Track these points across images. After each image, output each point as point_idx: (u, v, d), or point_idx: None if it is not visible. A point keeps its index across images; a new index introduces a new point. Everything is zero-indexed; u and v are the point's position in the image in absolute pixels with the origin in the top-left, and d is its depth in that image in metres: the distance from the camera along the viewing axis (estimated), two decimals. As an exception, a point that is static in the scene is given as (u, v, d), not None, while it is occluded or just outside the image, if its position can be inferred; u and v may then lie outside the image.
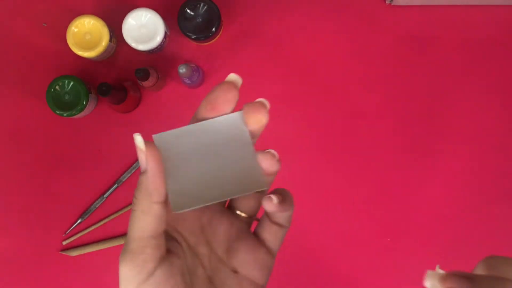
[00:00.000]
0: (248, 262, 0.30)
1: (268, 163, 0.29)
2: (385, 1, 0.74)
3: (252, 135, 0.30)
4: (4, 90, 0.73)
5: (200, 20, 0.69)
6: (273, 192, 0.29)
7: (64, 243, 0.73)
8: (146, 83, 0.67)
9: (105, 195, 0.73)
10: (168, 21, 0.71)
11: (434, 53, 0.74)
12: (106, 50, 0.68)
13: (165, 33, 0.68)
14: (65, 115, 0.68)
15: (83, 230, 0.73)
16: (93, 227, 0.73)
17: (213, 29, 0.68)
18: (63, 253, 0.73)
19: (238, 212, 0.32)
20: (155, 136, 0.30)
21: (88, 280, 0.74)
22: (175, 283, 0.28)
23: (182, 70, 0.63)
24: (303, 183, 0.74)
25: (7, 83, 0.73)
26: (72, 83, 0.68)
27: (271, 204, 0.28)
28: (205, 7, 0.68)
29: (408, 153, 0.74)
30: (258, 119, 0.29)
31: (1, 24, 0.73)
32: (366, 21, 0.74)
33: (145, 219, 0.27)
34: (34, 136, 0.73)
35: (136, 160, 0.73)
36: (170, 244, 0.30)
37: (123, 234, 0.74)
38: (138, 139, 0.29)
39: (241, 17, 0.74)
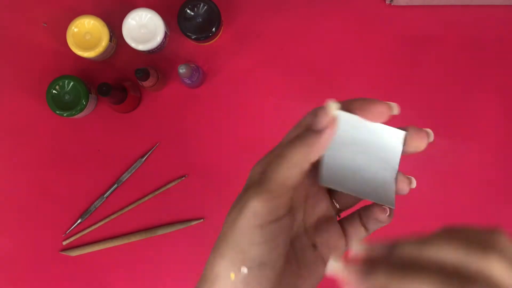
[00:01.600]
0: (328, 244, 0.32)
1: (401, 186, 0.32)
2: (385, 1, 0.74)
3: (405, 152, 0.33)
4: (4, 90, 0.73)
5: (200, 20, 0.69)
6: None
7: (64, 243, 0.73)
8: (146, 83, 0.67)
9: (105, 195, 0.73)
10: (168, 21, 0.71)
11: (434, 53, 0.74)
12: (106, 50, 0.68)
13: (165, 33, 0.68)
14: (65, 115, 0.68)
15: (83, 230, 0.73)
16: (93, 227, 0.73)
17: (213, 29, 0.68)
18: (63, 253, 0.73)
19: (333, 201, 0.35)
20: (339, 112, 0.31)
21: (88, 280, 0.74)
22: (285, 237, 0.29)
23: (182, 70, 0.63)
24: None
25: (7, 83, 0.73)
26: (72, 83, 0.68)
27: (383, 215, 0.32)
28: (205, 7, 0.68)
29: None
30: (417, 146, 0.32)
31: (1, 24, 0.73)
32: (366, 21, 0.74)
33: (294, 171, 0.29)
34: (34, 136, 0.73)
35: (136, 160, 0.73)
36: (297, 204, 0.32)
37: (123, 234, 0.74)
38: (332, 104, 0.29)
39: (241, 17, 0.74)
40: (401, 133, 0.33)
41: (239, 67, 0.74)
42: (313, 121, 0.30)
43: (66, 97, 0.69)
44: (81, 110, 0.68)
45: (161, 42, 0.68)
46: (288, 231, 0.29)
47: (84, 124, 0.73)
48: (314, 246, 0.32)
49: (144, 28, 0.68)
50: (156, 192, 0.73)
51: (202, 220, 0.73)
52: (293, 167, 0.29)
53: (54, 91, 0.68)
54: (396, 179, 0.32)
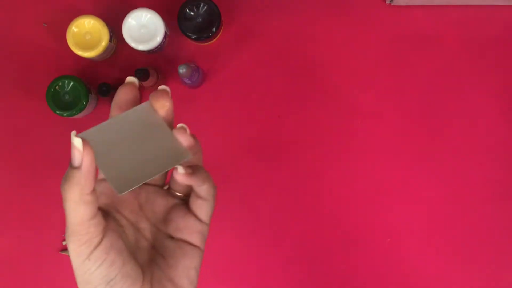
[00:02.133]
0: (180, 228, 0.35)
1: (182, 137, 0.34)
2: (385, 1, 0.74)
3: (166, 119, 0.34)
4: (4, 90, 0.73)
5: (200, 20, 0.69)
6: (183, 165, 0.34)
7: (64, 243, 0.73)
8: (146, 83, 0.67)
9: (105, 195, 0.73)
10: (168, 21, 0.71)
11: (434, 53, 0.74)
12: (106, 50, 0.68)
13: (165, 33, 0.68)
14: (65, 115, 0.68)
15: (83, 230, 0.73)
16: (93, 227, 0.73)
17: (213, 29, 0.68)
18: (63, 253, 0.73)
19: (176, 192, 0.38)
20: (82, 135, 0.33)
21: (88, 280, 0.74)
22: (118, 250, 0.32)
23: (182, 70, 0.63)
24: (303, 183, 0.74)
25: (7, 83, 0.73)
26: (72, 83, 0.68)
27: (176, 173, 0.33)
28: (205, 7, 0.68)
29: (408, 152, 0.74)
30: (161, 104, 0.34)
31: (1, 24, 0.73)
32: (366, 21, 0.74)
33: (80, 208, 0.32)
34: (34, 136, 0.73)
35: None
36: (111, 221, 0.34)
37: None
38: (76, 140, 0.31)
39: (241, 17, 0.74)
40: (145, 104, 0.35)
41: (239, 67, 0.74)
42: (71, 158, 0.32)
43: (66, 97, 0.69)
44: (81, 110, 0.68)
45: (161, 42, 0.68)
46: (116, 246, 0.32)
47: (84, 124, 0.73)
48: (170, 236, 0.36)
49: (144, 28, 0.68)
50: (156, 192, 0.73)
51: (202, 220, 0.73)
52: (77, 205, 0.32)
53: (54, 91, 0.68)
54: (174, 137, 0.34)
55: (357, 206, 0.74)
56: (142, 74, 0.64)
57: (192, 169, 0.34)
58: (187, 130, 0.34)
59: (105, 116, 0.73)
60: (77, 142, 0.31)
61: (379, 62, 0.74)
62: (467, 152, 0.75)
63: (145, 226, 0.36)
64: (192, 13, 0.68)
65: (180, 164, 0.33)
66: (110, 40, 0.68)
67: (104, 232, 0.32)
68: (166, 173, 0.37)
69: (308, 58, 0.74)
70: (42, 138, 0.73)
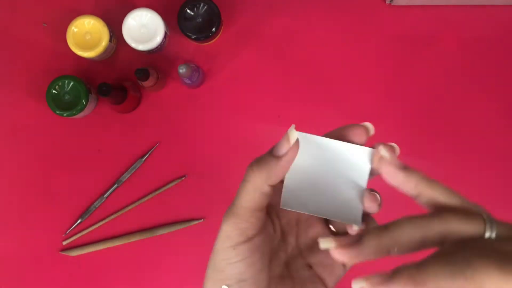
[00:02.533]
0: (324, 264, 0.34)
1: (369, 204, 0.32)
2: (385, 1, 0.74)
3: (372, 172, 0.33)
4: (4, 90, 0.73)
5: (200, 20, 0.68)
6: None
7: (64, 243, 0.73)
8: (146, 83, 0.67)
9: (105, 195, 0.73)
10: (168, 21, 0.71)
11: (434, 53, 0.74)
12: (106, 50, 0.68)
13: (165, 33, 0.68)
14: (65, 115, 0.68)
15: (83, 230, 0.73)
16: (93, 227, 0.73)
17: (213, 29, 0.68)
18: (63, 253, 0.73)
19: (330, 226, 0.36)
20: (299, 134, 0.33)
21: (88, 280, 0.74)
22: (262, 254, 0.31)
23: (182, 70, 0.63)
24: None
25: (7, 83, 0.73)
26: (72, 83, 0.68)
27: (351, 230, 0.32)
28: (205, 7, 0.68)
29: (408, 152, 0.74)
30: (383, 164, 0.33)
31: (1, 24, 0.73)
32: (366, 21, 0.74)
33: (255, 195, 0.30)
34: (34, 136, 0.73)
35: (136, 160, 0.73)
36: (268, 223, 0.33)
37: (123, 234, 0.74)
38: (294, 133, 0.31)
39: (241, 17, 0.74)
40: (367, 150, 0.33)
41: (239, 67, 0.74)
42: (275, 146, 0.32)
43: (66, 97, 0.69)
44: (81, 110, 0.68)
45: (161, 42, 0.68)
46: (262, 249, 0.32)
47: (84, 124, 0.73)
48: (309, 266, 0.34)
49: (144, 28, 0.68)
50: (156, 192, 0.73)
51: (202, 220, 0.73)
52: (254, 191, 0.30)
53: (54, 91, 0.68)
54: (363, 197, 0.32)
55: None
56: (142, 74, 0.64)
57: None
58: (378, 200, 0.33)
59: (105, 116, 0.73)
60: (293, 135, 0.31)
61: (379, 62, 0.74)
62: (467, 152, 0.75)
63: (292, 241, 0.35)
64: (192, 13, 0.68)
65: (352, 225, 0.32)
66: (110, 40, 0.68)
67: (260, 231, 0.31)
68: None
69: (308, 58, 0.74)
70: (42, 138, 0.73)
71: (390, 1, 0.73)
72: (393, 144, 0.34)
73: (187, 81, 0.68)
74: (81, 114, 0.70)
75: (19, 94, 0.73)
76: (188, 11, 0.68)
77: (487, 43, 0.75)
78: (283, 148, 0.31)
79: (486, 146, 0.75)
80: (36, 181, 0.73)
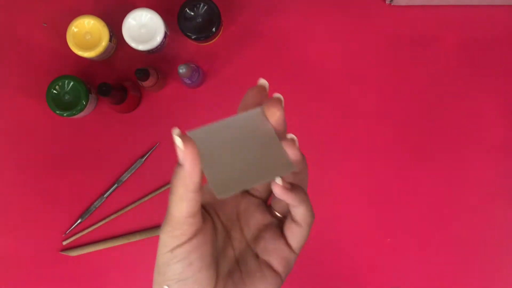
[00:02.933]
0: (268, 250, 0.35)
1: (290, 149, 0.33)
2: (385, 1, 0.74)
3: (276, 129, 0.33)
4: (4, 90, 0.73)
5: (200, 20, 0.69)
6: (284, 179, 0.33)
7: (64, 243, 0.73)
8: (146, 83, 0.67)
9: (105, 195, 0.73)
10: (168, 21, 0.71)
11: (434, 53, 0.74)
12: (106, 50, 0.68)
13: (165, 33, 0.68)
14: (65, 115, 0.68)
15: (83, 230, 0.74)
16: (93, 227, 0.73)
17: (213, 29, 0.68)
18: (63, 253, 0.73)
19: (275, 211, 0.36)
20: (189, 133, 0.33)
21: (88, 280, 0.74)
22: (200, 254, 0.33)
23: (182, 70, 0.63)
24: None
25: (7, 83, 0.73)
26: (72, 83, 0.68)
27: (274, 184, 0.32)
28: (205, 7, 0.68)
29: (408, 152, 0.74)
30: (272, 112, 0.33)
31: (1, 24, 0.73)
32: (366, 21, 0.74)
33: (182, 204, 0.32)
34: (34, 136, 0.73)
35: (136, 160, 0.73)
36: (207, 222, 0.34)
37: (123, 234, 0.74)
38: (177, 139, 0.32)
39: (241, 17, 0.74)
40: (258, 110, 0.34)
41: (239, 67, 0.74)
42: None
43: (66, 97, 0.69)
44: (81, 110, 0.68)
45: (161, 42, 0.68)
46: (201, 249, 0.33)
47: (84, 124, 0.74)
48: (256, 255, 0.35)
49: (144, 28, 0.68)
50: (156, 192, 0.73)
51: (202, 220, 0.73)
52: (180, 200, 0.32)
53: (54, 91, 0.68)
54: (282, 147, 0.33)
55: (356, 206, 0.74)
56: (142, 74, 0.64)
57: (292, 185, 0.32)
58: (296, 143, 0.33)
59: (105, 116, 0.74)
60: (177, 141, 0.32)
61: (379, 62, 0.74)
62: (467, 152, 0.75)
63: (236, 236, 0.36)
64: (192, 13, 0.68)
65: (282, 178, 0.32)
66: (110, 40, 0.68)
67: (196, 233, 0.32)
68: (271, 189, 0.36)
69: (308, 58, 0.74)
70: (42, 138, 0.73)
71: (390, 1, 0.73)
72: (277, 94, 0.35)
73: (187, 81, 0.68)
74: (81, 114, 0.70)
75: (19, 94, 0.73)
76: (188, 11, 0.68)
77: (487, 43, 0.75)
78: (180, 156, 0.32)
79: (486, 145, 0.75)
80: (36, 181, 0.73)
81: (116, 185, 0.73)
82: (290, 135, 0.34)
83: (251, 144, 0.33)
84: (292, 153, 0.33)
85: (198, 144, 0.32)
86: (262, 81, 0.36)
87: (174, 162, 0.74)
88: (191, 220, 0.32)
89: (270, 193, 0.38)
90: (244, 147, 0.33)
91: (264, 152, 0.33)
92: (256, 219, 0.36)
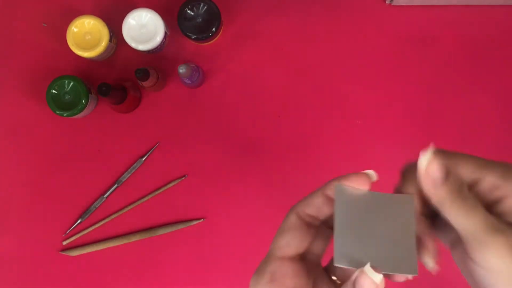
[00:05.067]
0: None
1: (425, 257, 0.31)
2: (385, 1, 0.74)
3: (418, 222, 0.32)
4: (4, 90, 0.73)
5: (200, 20, 0.69)
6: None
7: (64, 243, 0.73)
8: (146, 83, 0.67)
9: (105, 195, 0.73)
10: (168, 21, 0.71)
11: (434, 53, 0.74)
12: (106, 50, 0.68)
13: (165, 33, 0.68)
14: (65, 115, 0.68)
15: (83, 230, 0.74)
16: (93, 227, 0.73)
17: (213, 29, 0.68)
18: (63, 253, 0.73)
19: (333, 277, 0.34)
20: (337, 186, 0.33)
21: (88, 280, 0.74)
22: None
23: (182, 70, 0.63)
24: (303, 183, 0.74)
25: (7, 83, 0.73)
26: (72, 83, 0.68)
27: (398, 277, 0.31)
28: (205, 7, 0.68)
29: (408, 152, 0.74)
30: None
31: (1, 24, 0.73)
32: (366, 21, 0.74)
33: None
34: (34, 136, 0.73)
35: (136, 160, 0.73)
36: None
37: (123, 234, 0.74)
38: (378, 277, 0.29)
39: (241, 17, 0.74)
40: (409, 197, 0.32)
41: (239, 67, 0.74)
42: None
43: (66, 97, 0.69)
44: (81, 110, 0.68)
45: (161, 42, 0.68)
46: None
47: (84, 124, 0.74)
48: None
49: (144, 28, 0.68)
50: (156, 192, 0.73)
51: (202, 220, 0.73)
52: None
53: (54, 91, 0.68)
54: (416, 244, 0.32)
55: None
56: (142, 74, 0.64)
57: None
58: (435, 255, 0.31)
59: (105, 116, 0.74)
60: (377, 278, 0.29)
61: (379, 62, 0.74)
62: (467, 152, 0.75)
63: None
64: (192, 13, 0.68)
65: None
66: (110, 40, 0.68)
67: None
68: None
69: (308, 58, 0.74)
70: (42, 138, 0.73)
71: (390, 1, 0.73)
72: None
73: (187, 81, 0.68)
74: (81, 114, 0.70)
75: (19, 94, 0.73)
76: (188, 11, 0.68)
77: (486, 43, 0.75)
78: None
79: (486, 145, 0.75)
80: (36, 181, 0.73)
81: (116, 185, 0.73)
82: (432, 246, 0.31)
83: (389, 227, 0.32)
84: (426, 261, 0.31)
85: (341, 201, 0.32)
86: (371, 172, 0.34)
87: (174, 162, 0.74)
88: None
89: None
90: (381, 226, 0.32)
91: (397, 241, 0.32)
92: (323, 282, 0.34)
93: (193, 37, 0.68)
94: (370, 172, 0.34)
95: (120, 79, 0.72)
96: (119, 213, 0.73)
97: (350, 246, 0.31)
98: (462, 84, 0.75)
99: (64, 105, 0.69)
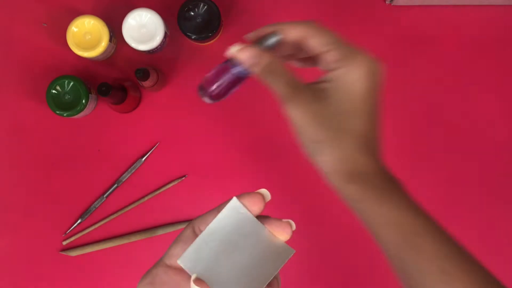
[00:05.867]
0: None
1: (284, 233, 0.32)
2: (385, 1, 0.74)
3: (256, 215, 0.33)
4: (4, 90, 0.73)
5: (200, 20, 0.69)
6: None
7: (64, 243, 0.73)
8: (146, 83, 0.67)
9: (105, 195, 0.73)
10: (168, 21, 0.71)
11: (434, 53, 0.74)
12: (106, 50, 0.68)
13: (165, 33, 0.68)
14: (65, 115, 0.68)
15: (83, 230, 0.74)
16: (93, 227, 0.73)
17: (213, 29, 0.68)
18: (63, 253, 0.73)
19: None
20: (180, 261, 0.32)
21: (88, 280, 0.74)
22: None
23: (272, 40, 0.44)
24: (302, 183, 0.74)
25: (7, 83, 0.73)
26: (72, 83, 0.68)
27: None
28: (205, 7, 0.68)
29: (408, 152, 0.74)
30: (255, 209, 0.32)
31: (1, 24, 0.73)
32: (366, 21, 0.74)
33: None
34: (34, 136, 0.73)
35: (136, 160, 0.73)
36: None
37: (123, 234, 0.74)
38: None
39: (241, 17, 0.74)
40: (233, 202, 0.32)
41: (239, 67, 0.74)
42: None
43: (66, 97, 0.69)
44: (81, 110, 0.68)
45: (161, 42, 0.68)
46: None
47: (84, 124, 0.74)
48: None
49: (144, 28, 0.68)
50: (156, 192, 0.73)
51: (202, 220, 0.73)
52: None
53: (54, 91, 0.68)
54: (272, 233, 0.32)
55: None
56: (142, 74, 0.64)
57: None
58: (292, 226, 0.32)
59: (105, 116, 0.73)
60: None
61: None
62: (467, 152, 0.75)
63: None
64: (192, 13, 0.68)
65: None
66: (110, 40, 0.68)
67: None
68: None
69: (308, 58, 0.74)
70: (42, 138, 0.73)
71: (390, 1, 0.73)
72: (262, 192, 0.34)
73: (208, 100, 0.51)
74: (81, 114, 0.70)
75: (19, 94, 0.73)
76: (188, 11, 0.68)
77: (487, 43, 0.75)
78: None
79: (486, 146, 0.75)
80: (36, 181, 0.73)
81: (116, 185, 0.73)
82: (286, 220, 0.33)
83: (242, 242, 0.32)
84: (285, 235, 0.32)
85: (225, 214, 0.31)
86: (264, 191, 0.34)
87: (174, 162, 0.74)
88: None
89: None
90: (236, 248, 0.32)
91: (258, 246, 0.32)
92: None
93: (193, 37, 0.68)
94: (264, 191, 0.34)
95: (120, 79, 0.72)
96: (119, 213, 0.73)
97: (203, 255, 0.32)
98: (462, 84, 0.75)
99: (64, 105, 0.69)
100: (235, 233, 0.32)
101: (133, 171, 0.73)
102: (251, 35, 0.43)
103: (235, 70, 0.45)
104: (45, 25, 0.73)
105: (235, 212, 0.32)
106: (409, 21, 0.74)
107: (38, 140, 0.73)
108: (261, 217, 0.33)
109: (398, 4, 0.73)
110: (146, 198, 0.73)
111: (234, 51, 0.41)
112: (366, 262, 0.74)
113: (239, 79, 0.47)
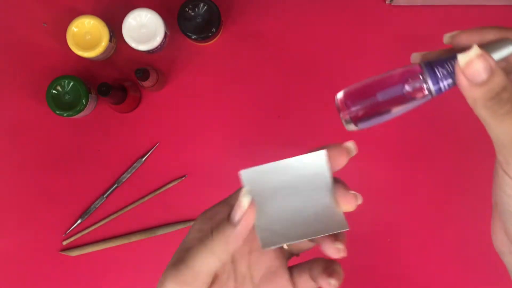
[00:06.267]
0: None
1: (345, 204, 0.30)
2: (385, 1, 0.74)
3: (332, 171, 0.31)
4: (4, 90, 0.73)
5: (200, 20, 0.69)
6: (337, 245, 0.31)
7: (64, 243, 0.73)
8: (146, 83, 0.67)
9: (105, 195, 0.73)
10: (168, 21, 0.71)
11: (434, 53, 0.74)
12: (106, 50, 0.68)
13: (165, 33, 0.68)
14: (65, 115, 0.68)
15: (83, 230, 0.74)
16: (93, 227, 0.73)
17: (213, 29, 0.68)
18: (63, 253, 0.73)
19: (285, 246, 0.34)
20: (243, 172, 0.31)
21: (88, 280, 0.74)
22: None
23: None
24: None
25: (7, 83, 0.73)
26: (72, 83, 0.68)
27: (332, 246, 0.30)
28: (205, 7, 0.68)
29: (408, 152, 0.74)
30: (338, 161, 0.31)
31: (1, 24, 0.73)
32: (366, 21, 0.74)
33: (210, 260, 0.29)
34: (34, 136, 0.73)
35: (136, 160, 0.73)
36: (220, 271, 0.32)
37: (123, 234, 0.74)
38: (246, 199, 0.29)
39: (241, 17, 0.74)
40: (321, 153, 0.31)
41: (239, 67, 0.74)
42: (230, 213, 0.30)
43: (66, 97, 0.69)
44: (81, 110, 0.68)
45: (161, 42, 0.68)
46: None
47: (84, 124, 0.74)
48: None
49: (144, 28, 0.68)
50: (156, 192, 0.73)
51: (202, 220, 0.73)
52: (211, 257, 0.29)
53: (54, 91, 0.68)
54: (336, 199, 0.31)
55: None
56: (142, 74, 0.64)
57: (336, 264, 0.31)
58: (359, 199, 0.31)
59: (105, 116, 0.73)
60: (245, 201, 0.29)
61: (379, 62, 0.74)
62: (468, 152, 0.75)
63: (243, 270, 0.34)
64: (192, 13, 0.68)
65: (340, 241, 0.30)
66: (110, 40, 0.68)
67: (212, 285, 0.31)
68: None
69: (308, 58, 0.74)
70: (42, 138, 0.73)
71: (390, 1, 0.73)
72: (347, 144, 0.33)
73: None
74: (81, 114, 0.70)
75: (19, 94, 0.73)
76: (188, 11, 0.68)
77: (487, 43, 0.74)
78: (237, 216, 0.29)
79: (486, 146, 0.75)
80: (36, 181, 0.73)
81: (116, 185, 0.73)
82: (352, 192, 0.31)
83: (305, 191, 0.31)
84: (346, 207, 0.30)
85: (250, 183, 0.30)
86: (351, 145, 0.33)
87: (174, 162, 0.74)
88: (207, 280, 0.30)
89: None
90: (297, 194, 0.31)
91: (318, 203, 0.31)
92: (267, 259, 0.34)
93: (193, 37, 0.68)
94: (351, 146, 0.33)
95: (120, 79, 0.72)
96: (119, 213, 0.73)
97: (270, 227, 0.30)
98: (462, 84, 0.74)
99: (64, 105, 0.69)
100: (305, 180, 0.31)
101: (133, 171, 0.73)
102: (473, 36, 0.30)
103: (431, 85, 0.32)
104: (45, 25, 0.73)
105: (316, 161, 0.31)
106: (409, 21, 0.74)
107: (38, 140, 0.73)
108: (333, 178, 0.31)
109: (398, 4, 0.73)
110: (146, 198, 0.73)
111: (473, 55, 0.27)
112: (366, 262, 0.74)
113: (409, 99, 0.34)
